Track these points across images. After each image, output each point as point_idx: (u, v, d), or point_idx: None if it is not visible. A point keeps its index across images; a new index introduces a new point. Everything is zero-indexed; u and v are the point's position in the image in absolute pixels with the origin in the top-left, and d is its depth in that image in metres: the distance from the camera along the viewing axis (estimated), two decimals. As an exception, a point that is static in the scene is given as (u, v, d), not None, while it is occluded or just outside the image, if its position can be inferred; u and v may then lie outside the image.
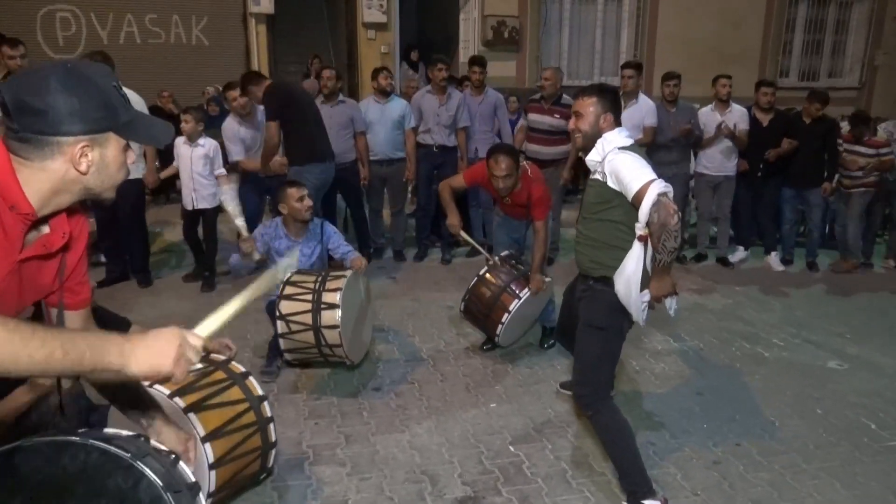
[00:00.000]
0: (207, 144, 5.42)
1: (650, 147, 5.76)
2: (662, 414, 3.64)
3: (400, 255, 6.47)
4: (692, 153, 6.49)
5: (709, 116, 6.31)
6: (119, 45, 8.59)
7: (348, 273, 3.79)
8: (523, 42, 9.47)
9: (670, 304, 2.79)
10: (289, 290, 3.68)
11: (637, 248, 2.65)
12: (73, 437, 1.37)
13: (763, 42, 10.31)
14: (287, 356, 3.81)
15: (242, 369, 2.82)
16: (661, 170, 5.69)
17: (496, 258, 4.26)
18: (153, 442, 1.57)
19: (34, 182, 1.32)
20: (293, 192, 4.02)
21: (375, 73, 6.16)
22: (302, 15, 11.12)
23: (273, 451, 2.82)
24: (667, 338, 4.68)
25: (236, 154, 5.59)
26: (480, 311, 4.15)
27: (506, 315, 4.01)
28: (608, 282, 2.75)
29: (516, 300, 4.00)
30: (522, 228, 4.44)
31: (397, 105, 6.13)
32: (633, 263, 2.66)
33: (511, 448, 3.28)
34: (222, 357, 2.83)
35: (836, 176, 6.41)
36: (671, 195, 2.57)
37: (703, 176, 6.48)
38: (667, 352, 4.48)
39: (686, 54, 9.49)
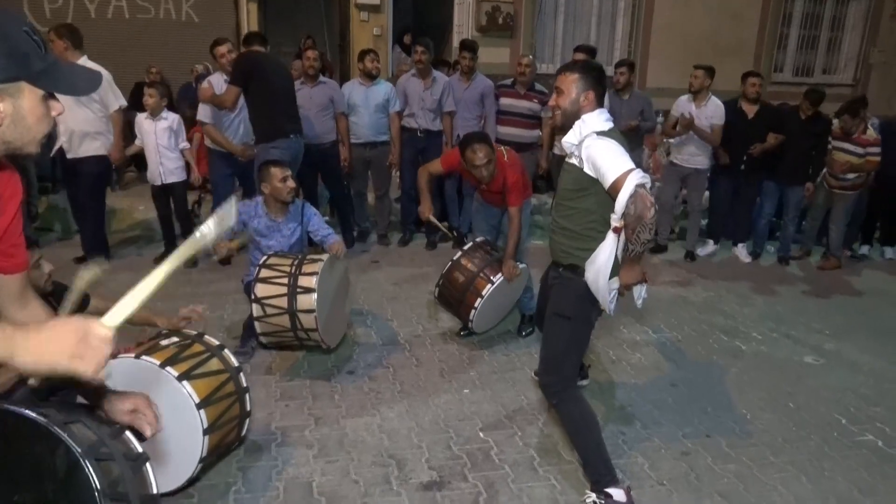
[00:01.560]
0: (170, 117, 5.43)
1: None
2: (635, 404, 3.64)
3: (384, 239, 6.43)
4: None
5: (684, 107, 6.22)
6: (107, 19, 8.48)
7: (325, 257, 3.75)
8: (517, 28, 9.38)
9: (639, 292, 2.76)
10: (265, 272, 3.65)
11: (611, 239, 2.61)
12: None
13: (759, 36, 10.24)
14: (262, 339, 3.78)
15: (216, 342, 2.91)
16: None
17: (466, 246, 4.22)
18: (97, 412, 1.54)
19: None
20: (276, 171, 3.96)
21: (362, 56, 6.07)
22: (296, -5, 10.99)
23: (248, 420, 2.91)
24: (645, 329, 4.67)
25: (204, 116, 5.46)
26: (454, 297, 4.13)
27: (479, 300, 3.99)
28: (577, 270, 2.72)
29: (490, 285, 3.98)
30: (498, 215, 4.40)
31: (382, 88, 6.05)
32: (606, 255, 2.62)
33: (481, 434, 3.27)
34: (194, 332, 2.87)
35: (822, 172, 6.38)
36: (648, 186, 2.51)
37: (674, 166, 6.43)
38: (644, 342, 4.47)
39: (682, 46, 9.43)
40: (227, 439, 2.82)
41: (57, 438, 1.29)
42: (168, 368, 2.56)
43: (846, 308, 5.42)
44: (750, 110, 6.21)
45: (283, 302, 3.53)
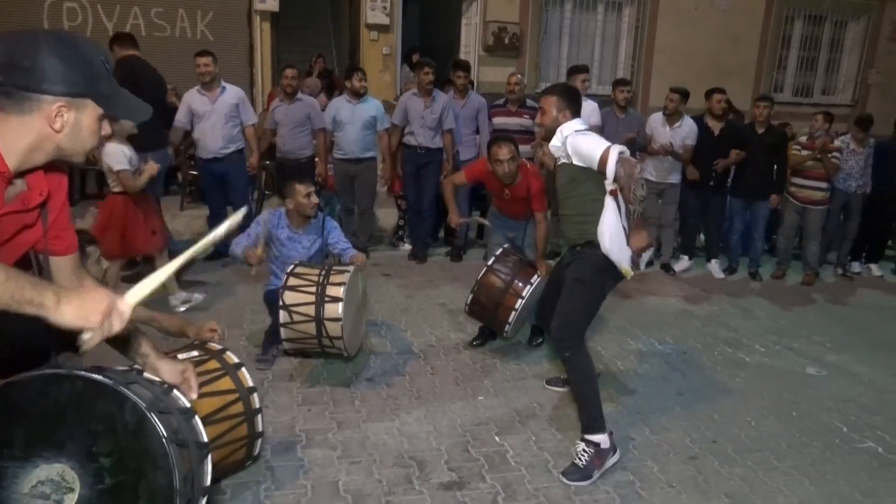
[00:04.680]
0: None
1: None
2: (643, 412, 3.77)
3: (363, 252, 6.51)
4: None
5: (657, 128, 6.42)
6: (124, 37, 8.69)
7: (351, 269, 3.92)
8: (523, 48, 9.62)
9: (645, 257, 3.14)
10: (293, 281, 3.79)
11: (610, 202, 3.05)
12: (60, 370, 1.51)
13: (759, 57, 10.48)
14: (286, 345, 3.91)
15: (236, 360, 2.82)
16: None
17: (497, 252, 4.32)
18: (146, 374, 1.75)
19: (12, 139, 1.43)
20: (301, 188, 4.13)
21: (350, 74, 6.24)
22: (306, 14, 11.24)
23: (259, 441, 2.82)
24: (651, 340, 4.81)
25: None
26: (491, 301, 4.20)
27: (519, 301, 4.10)
28: (594, 244, 3.12)
29: (529, 286, 4.12)
30: (520, 228, 4.56)
31: (369, 106, 6.21)
32: (610, 215, 3.05)
33: (496, 438, 3.40)
34: (218, 346, 2.91)
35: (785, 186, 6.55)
36: (627, 154, 3.01)
37: (648, 182, 6.55)
38: (651, 353, 4.61)
39: (683, 66, 9.65)
40: (233, 458, 2.75)
41: (123, 396, 1.47)
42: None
43: (846, 322, 5.56)
44: (715, 127, 6.37)
45: (311, 310, 3.67)
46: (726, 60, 10.09)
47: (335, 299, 3.66)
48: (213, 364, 2.79)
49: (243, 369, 2.83)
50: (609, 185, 3.01)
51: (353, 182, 6.36)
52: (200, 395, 2.59)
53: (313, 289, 3.71)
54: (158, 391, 1.64)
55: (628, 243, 3.06)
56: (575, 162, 3.14)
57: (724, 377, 4.29)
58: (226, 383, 2.74)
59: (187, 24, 8.92)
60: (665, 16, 9.98)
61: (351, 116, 6.16)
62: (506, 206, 4.49)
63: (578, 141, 3.12)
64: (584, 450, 3.08)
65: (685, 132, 6.33)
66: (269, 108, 7.07)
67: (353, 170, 6.28)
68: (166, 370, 1.81)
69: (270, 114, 6.36)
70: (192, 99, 5.83)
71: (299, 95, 6.22)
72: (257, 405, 2.78)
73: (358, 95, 6.17)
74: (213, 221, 5.70)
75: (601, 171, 3.00)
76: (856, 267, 7.09)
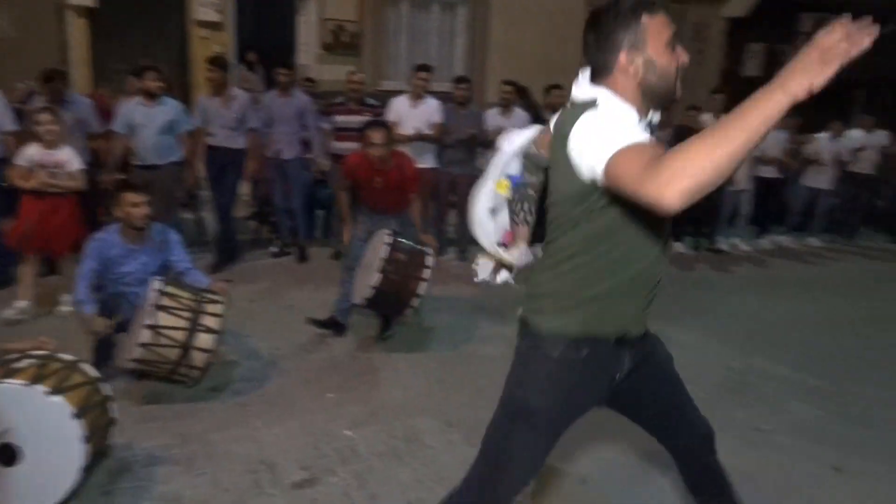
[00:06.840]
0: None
1: (439, 144, 6.49)
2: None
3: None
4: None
5: (493, 120, 6.78)
6: None
7: (222, 299, 3.79)
8: (362, 47, 9.66)
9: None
10: (165, 301, 3.56)
11: None
12: None
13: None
14: (132, 365, 3.61)
15: (71, 357, 2.95)
16: (448, 168, 6.08)
17: (387, 240, 4.28)
18: None
19: None
20: (129, 196, 3.85)
21: (140, 73, 5.66)
22: (128, 10, 10.51)
23: (113, 428, 3.02)
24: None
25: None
26: (402, 274, 4.23)
27: (423, 285, 4.29)
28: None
29: (427, 269, 4.31)
30: (390, 223, 4.52)
31: (167, 108, 5.71)
32: None
33: (347, 432, 3.43)
34: (43, 352, 2.90)
35: None
36: None
37: None
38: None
39: (516, 64, 10.13)
40: (99, 447, 2.91)
41: None
42: (37, 386, 2.60)
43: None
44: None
45: (180, 335, 3.50)
46: (554, 58, 10.72)
47: (211, 331, 3.56)
48: (56, 364, 2.85)
49: (81, 363, 2.98)
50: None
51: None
52: (68, 389, 2.71)
53: (188, 314, 3.53)
54: None
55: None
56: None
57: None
58: (78, 377, 2.87)
59: (-13, 17, 8.04)
60: (496, 16, 10.43)
61: (146, 120, 5.60)
62: (379, 199, 4.53)
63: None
64: None
65: (519, 124, 6.67)
66: (110, 112, 6.10)
67: (151, 177, 5.56)
68: None
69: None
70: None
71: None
72: (106, 393, 2.96)
73: (153, 97, 5.64)
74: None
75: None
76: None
